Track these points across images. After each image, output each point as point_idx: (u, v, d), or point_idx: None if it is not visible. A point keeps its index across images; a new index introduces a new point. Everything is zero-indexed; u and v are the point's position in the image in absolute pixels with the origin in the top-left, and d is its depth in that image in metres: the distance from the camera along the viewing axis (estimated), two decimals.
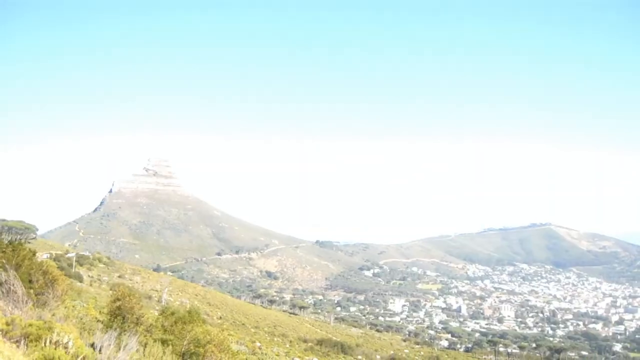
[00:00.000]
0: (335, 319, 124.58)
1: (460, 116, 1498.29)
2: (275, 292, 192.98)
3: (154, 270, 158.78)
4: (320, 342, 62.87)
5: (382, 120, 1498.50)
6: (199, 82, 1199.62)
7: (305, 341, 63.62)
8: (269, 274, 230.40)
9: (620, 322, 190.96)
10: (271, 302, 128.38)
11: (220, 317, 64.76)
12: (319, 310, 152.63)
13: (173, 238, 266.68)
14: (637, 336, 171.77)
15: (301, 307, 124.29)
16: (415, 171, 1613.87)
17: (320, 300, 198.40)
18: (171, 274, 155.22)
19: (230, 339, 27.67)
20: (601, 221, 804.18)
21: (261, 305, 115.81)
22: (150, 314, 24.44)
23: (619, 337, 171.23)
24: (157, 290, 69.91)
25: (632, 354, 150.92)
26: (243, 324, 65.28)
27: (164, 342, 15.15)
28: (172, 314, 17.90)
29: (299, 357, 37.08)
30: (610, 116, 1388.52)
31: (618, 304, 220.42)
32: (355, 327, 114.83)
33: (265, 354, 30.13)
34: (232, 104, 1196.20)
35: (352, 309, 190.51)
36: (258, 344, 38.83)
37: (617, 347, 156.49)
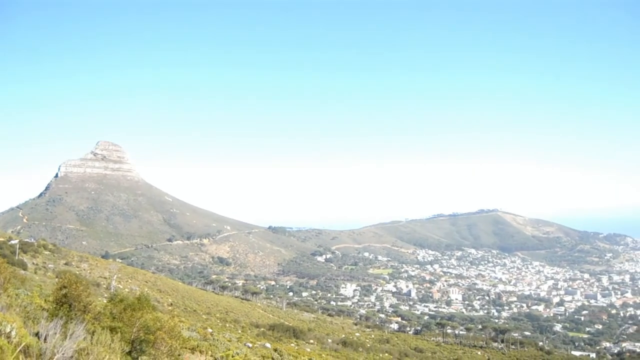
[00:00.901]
0: (288, 304, 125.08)
1: (412, 108, 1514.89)
2: (228, 278, 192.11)
3: (103, 257, 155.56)
4: (272, 328, 63.08)
5: (336, 108, 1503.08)
6: (146, 61, 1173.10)
7: (257, 327, 63.68)
8: (221, 260, 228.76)
9: (560, 303, 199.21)
10: (223, 288, 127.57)
11: (171, 304, 64.05)
12: (272, 296, 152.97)
13: (122, 224, 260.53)
14: (575, 316, 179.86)
15: (253, 293, 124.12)
16: (368, 159, 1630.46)
17: (273, 285, 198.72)
18: (120, 261, 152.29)
19: (181, 326, 27.42)
20: (545, 207, 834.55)
21: (213, 292, 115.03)
22: (98, 302, 23.94)
23: (559, 317, 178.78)
24: (105, 278, 68.46)
25: (570, 333, 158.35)
26: (194, 311, 64.77)
27: (112, 329, 14.89)
28: (121, 301, 17.58)
29: (251, 342, 37.08)
30: (553, 107, 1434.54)
31: (559, 286, 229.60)
32: (307, 312, 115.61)
33: (217, 340, 30.02)
34: (185, 90, 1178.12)
35: (305, 294, 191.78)
36: (210, 330, 38.62)
37: (558, 327, 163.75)
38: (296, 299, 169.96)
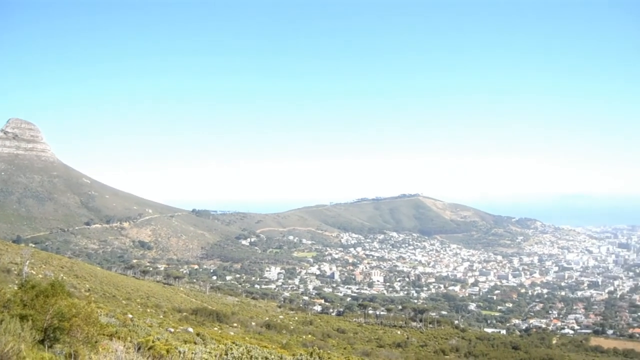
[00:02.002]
0: (211, 288, 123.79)
1: (338, 98, 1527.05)
2: (149, 262, 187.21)
3: (14, 241, 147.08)
4: (195, 312, 62.30)
5: (262, 89, 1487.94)
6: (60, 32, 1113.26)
7: (179, 311, 62.71)
8: (142, 244, 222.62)
9: (475, 284, 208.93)
10: (144, 272, 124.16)
11: (89, 290, 61.73)
12: (195, 280, 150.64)
13: (36, 207, 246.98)
14: (488, 296, 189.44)
15: (176, 277, 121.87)
16: (295, 142, 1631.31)
17: (196, 269, 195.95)
18: (33, 245, 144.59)
19: (99, 312, 26.53)
20: (463, 192, 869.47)
21: (134, 276, 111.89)
22: (8, 289, 22.69)
23: (474, 297, 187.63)
24: (16, 263, 64.86)
25: (484, 312, 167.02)
26: (114, 296, 62.80)
27: (22, 317, 14.16)
28: (33, 287, 16.72)
29: (173, 327, 36.48)
30: (470, 99, 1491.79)
31: (474, 267, 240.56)
32: (231, 295, 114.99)
33: (138, 326, 29.30)
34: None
35: (229, 277, 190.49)
36: (130, 315, 37.64)
37: (472, 306, 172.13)
38: (220, 282, 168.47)
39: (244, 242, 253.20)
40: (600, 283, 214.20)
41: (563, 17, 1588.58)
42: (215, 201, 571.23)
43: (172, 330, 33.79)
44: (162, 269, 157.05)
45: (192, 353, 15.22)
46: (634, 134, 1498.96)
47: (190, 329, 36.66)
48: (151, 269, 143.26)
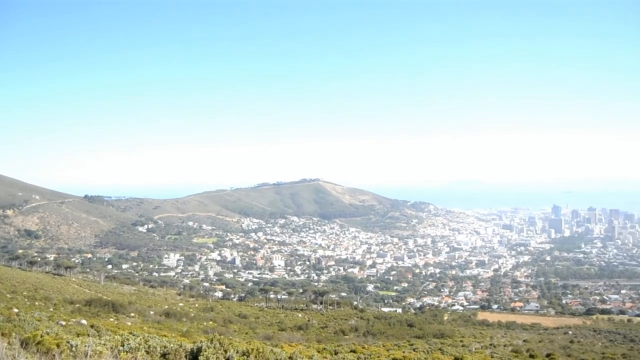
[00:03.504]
0: (106, 277, 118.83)
1: (236, 76, 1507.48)
2: (37, 252, 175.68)
3: None
4: (89, 303, 59.52)
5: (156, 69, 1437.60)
6: None
7: (71, 303, 59.63)
8: (29, 233, 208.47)
9: (373, 265, 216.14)
10: (32, 263, 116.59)
11: None
12: (88, 270, 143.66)
13: None
14: (385, 277, 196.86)
15: (67, 267, 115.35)
16: (194, 127, 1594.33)
17: (90, 259, 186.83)
18: None
19: None
20: (363, 177, 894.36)
21: (19, 268, 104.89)
22: None
23: (372, 278, 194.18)
24: None
25: (381, 292, 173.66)
26: None
27: None
28: None
29: (65, 320, 34.63)
30: (359, 85, 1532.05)
31: (372, 250, 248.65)
32: (128, 284, 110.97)
33: (24, 320, 27.51)
34: None
35: (125, 266, 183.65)
36: (15, 310, 35.29)
37: (370, 287, 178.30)
38: (116, 271, 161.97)
39: (140, 228, 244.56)
40: (486, 262, 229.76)
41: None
42: (110, 187, 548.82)
43: (64, 323, 32.10)
44: (51, 259, 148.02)
45: (85, 346, 14.53)
46: (508, 128, 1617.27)
47: (84, 321, 35.00)
48: (39, 259, 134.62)
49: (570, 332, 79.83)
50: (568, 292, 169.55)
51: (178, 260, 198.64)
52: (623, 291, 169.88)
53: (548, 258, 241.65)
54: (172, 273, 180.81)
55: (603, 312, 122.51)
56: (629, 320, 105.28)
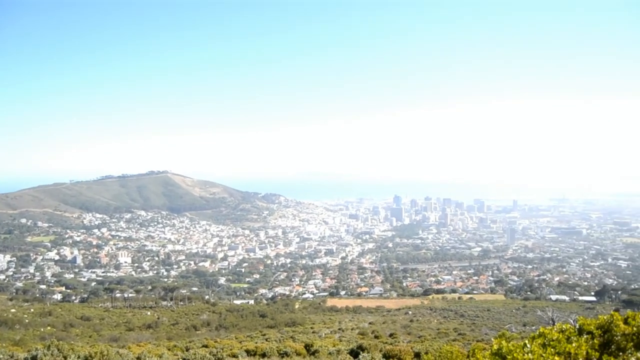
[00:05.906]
0: None
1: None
2: None
3: None
4: None
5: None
6: None
7: None
8: None
9: (225, 258, 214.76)
10: None
11: None
12: None
13: None
14: (237, 269, 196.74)
15: None
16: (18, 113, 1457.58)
17: None
18: None
19: None
20: (214, 169, 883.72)
21: None
22: None
23: (223, 271, 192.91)
24: None
25: (233, 285, 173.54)
26: None
27: None
28: None
29: None
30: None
31: (224, 242, 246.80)
32: None
33: None
34: None
35: None
36: None
37: (222, 280, 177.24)
38: None
39: None
40: (334, 250, 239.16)
41: None
42: None
43: None
44: None
45: None
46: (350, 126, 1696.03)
47: None
48: None
49: (410, 312, 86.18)
50: (408, 275, 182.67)
51: (9, 262, 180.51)
52: (454, 272, 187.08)
53: (390, 245, 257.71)
54: (2, 276, 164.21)
55: (438, 292, 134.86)
56: (459, 298, 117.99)
